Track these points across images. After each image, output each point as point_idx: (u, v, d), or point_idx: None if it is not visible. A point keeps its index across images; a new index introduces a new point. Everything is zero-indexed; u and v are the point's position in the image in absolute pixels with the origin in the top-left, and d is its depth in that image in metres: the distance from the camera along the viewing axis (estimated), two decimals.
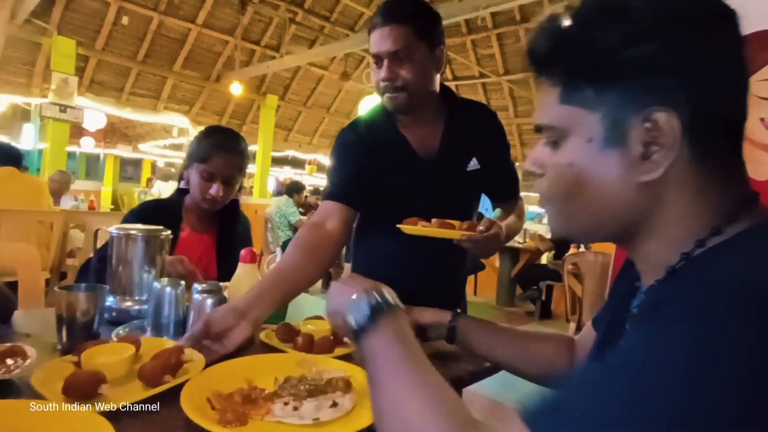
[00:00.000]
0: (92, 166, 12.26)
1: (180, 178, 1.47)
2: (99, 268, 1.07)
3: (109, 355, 0.70)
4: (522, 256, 5.61)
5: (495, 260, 6.24)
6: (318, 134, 10.22)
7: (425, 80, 1.14)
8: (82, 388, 0.61)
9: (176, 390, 0.65)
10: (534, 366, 0.80)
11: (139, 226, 1.11)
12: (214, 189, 1.34)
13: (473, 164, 1.24)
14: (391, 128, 1.21)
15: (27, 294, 1.41)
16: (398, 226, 1.07)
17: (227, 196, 1.39)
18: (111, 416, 0.60)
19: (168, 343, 0.80)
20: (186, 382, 0.67)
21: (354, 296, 0.55)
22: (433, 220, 1.08)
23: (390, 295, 0.56)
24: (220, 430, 0.57)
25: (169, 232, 1.12)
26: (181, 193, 1.45)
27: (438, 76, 1.19)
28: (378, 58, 1.12)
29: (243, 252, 1.10)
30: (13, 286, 1.30)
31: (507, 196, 1.37)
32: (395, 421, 0.45)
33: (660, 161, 0.43)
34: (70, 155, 7.49)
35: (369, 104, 5.27)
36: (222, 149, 1.37)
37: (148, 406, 0.64)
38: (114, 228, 1.07)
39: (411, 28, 1.09)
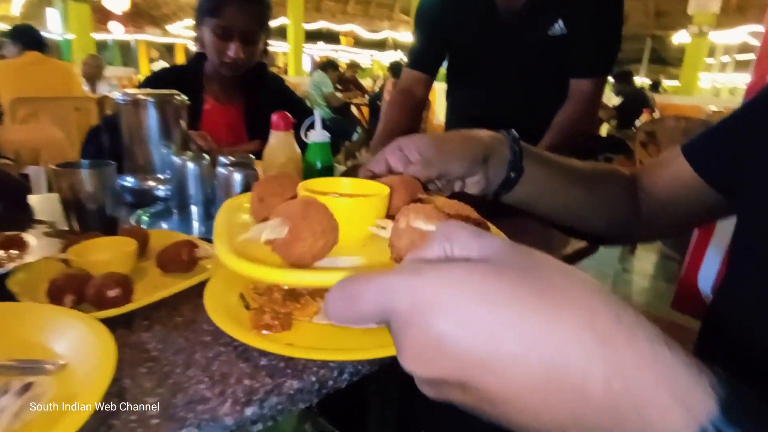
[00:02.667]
0: (127, 55, 12.03)
1: (195, 39, 1.23)
2: (111, 144, 0.92)
3: (103, 252, 0.55)
4: None
5: None
6: (353, 0, 9.25)
7: None
8: (70, 293, 0.47)
9: (202, 288, 0.51)
10: (597, 213, 0.59)
11: (149, 90, 0.92)
12: (233, 50, 1.12)
13: (558, 28, 1.06)
14: None
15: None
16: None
17: (249, 57, 1.16)
18: (120, 321, 0.47)
19: (180, 236, 0.65)
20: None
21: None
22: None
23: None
24: (255, 339, 0.42)
25: (184, 97, 0.92)
26: (198, 58, 1.23)
27: None
28: None
29: (275, 117, 0.90)
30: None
31: (583, 73, 1.08)
32: None
33: None
34: (103, 45, 7.24)
35: None
36: None
37: (165, 311, 0.51)
38: (120, 94, 0.88)
39: None
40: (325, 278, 0.27)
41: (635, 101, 4.71)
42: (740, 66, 10.71)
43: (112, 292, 0.47)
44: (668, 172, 0.58)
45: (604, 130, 5.25)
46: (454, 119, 1.30)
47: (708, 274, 1.83)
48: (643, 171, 0.61)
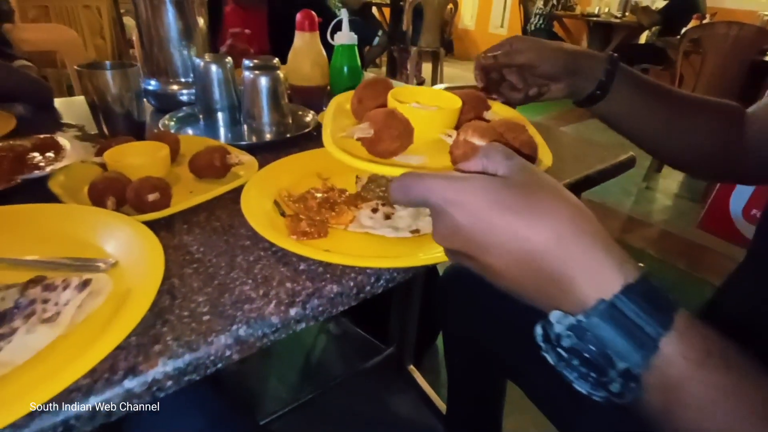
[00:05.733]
0: None
1: None
2: None
3: (138, 156, 0.55)
4: (616, 34, 4.74)
5: (582, 39, 5.41)
6: None
7: None
8: (111, 196, 0.48)
9: (236, 194, 0.51)
10: (683, 142, 0.59)
11: None
12: None
13: None
14: None
15: (75, 79, 1.29)
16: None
17: None
18: (162, 224, 0.48)
19: (210, 141, 0.64)
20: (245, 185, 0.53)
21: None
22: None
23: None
24: (294, 245, 0.43)
25: None
26: None
27: None
28: None
29: (299, 17, 0.84)
30: None
31: None
32: None
33: None
34: None
35: None
36: None
37: (204, 215, 0.52)
38: None
39: None
40: (393, 169, 0.39)
41: (684, 3, 4.27)
42: None
43: (152, 196, 0.47)
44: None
45: (643, 37, 4.85)
46: None
47: (741, 195, 1.78)
48: (755, 109, 0.57)
